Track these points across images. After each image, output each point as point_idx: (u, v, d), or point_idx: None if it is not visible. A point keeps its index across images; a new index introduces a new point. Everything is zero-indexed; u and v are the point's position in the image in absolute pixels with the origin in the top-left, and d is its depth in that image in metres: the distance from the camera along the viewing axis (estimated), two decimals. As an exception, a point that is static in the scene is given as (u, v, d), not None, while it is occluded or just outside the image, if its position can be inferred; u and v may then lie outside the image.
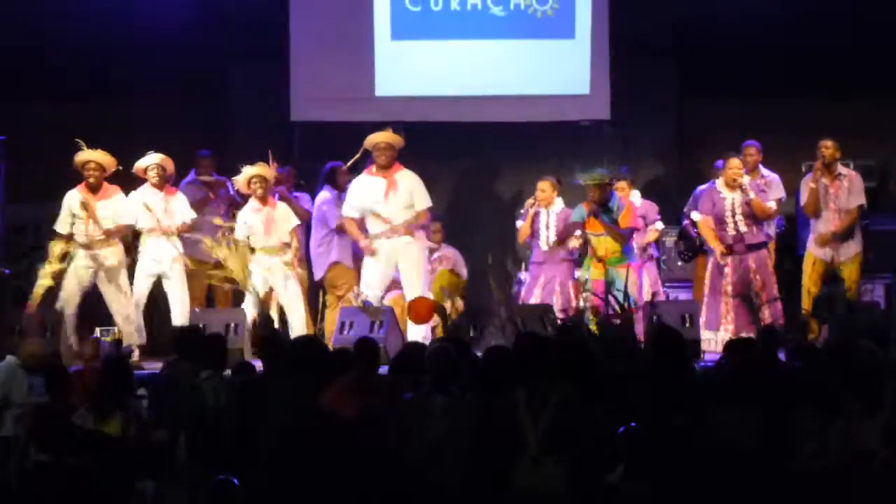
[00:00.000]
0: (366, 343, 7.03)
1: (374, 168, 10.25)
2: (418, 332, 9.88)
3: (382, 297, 10.29)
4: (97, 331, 9.79)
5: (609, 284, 9.77)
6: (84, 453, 5.11)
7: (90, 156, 10.17)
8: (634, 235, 10.47)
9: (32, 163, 11.39)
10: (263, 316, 10.21)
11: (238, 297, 10.65)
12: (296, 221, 10.38)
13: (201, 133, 11.83)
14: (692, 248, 11.07)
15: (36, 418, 6.34)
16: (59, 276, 10.05)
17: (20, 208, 11.23)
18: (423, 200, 10.28)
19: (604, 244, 10.01)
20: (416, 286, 10.17)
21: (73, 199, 10.22)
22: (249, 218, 10.24)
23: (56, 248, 10.09)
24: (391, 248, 10.17)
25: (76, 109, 11.91)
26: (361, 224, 10.30)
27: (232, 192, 11.19)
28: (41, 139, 11.60)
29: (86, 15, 12.10)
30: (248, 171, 10.25)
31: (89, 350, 9.34)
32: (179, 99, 12.06)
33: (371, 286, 10.12)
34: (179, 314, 10.29)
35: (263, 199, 10.28)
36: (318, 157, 10.99)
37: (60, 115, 11.84)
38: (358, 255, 10.61)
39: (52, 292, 10.16)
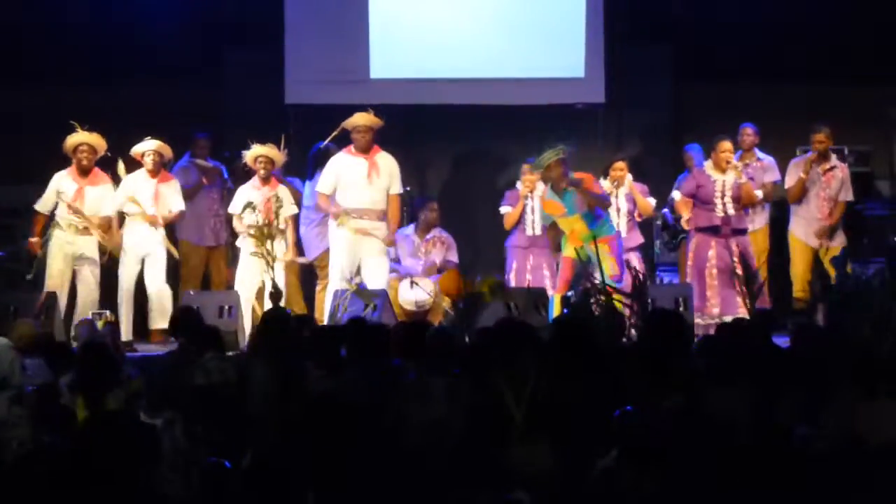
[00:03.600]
0: (357, 325, 7.04)
1: (352, 148, 10.20)
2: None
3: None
4: (89, 313, 9.75)
5: (585, 264, 9.72)
6: (82, 433, 5.07)
7: (82, 138, 10.12)
8: (627, 222, 10.49)
9: (25, 145, 11.37)
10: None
11: (233, 279, 10.65)
12: (294, 210, 10.36)
13: (196, 116, 11.79)
14: (675, 235, 11.08)
15: (40, 398, 6.34)
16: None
17: (12, 190, 11.22)
18: (398, 186, 10.25)
19: (569, 224, 9.85)
20: (377, 274, 10.10)
21: (61, 180, 10.17)
22: (249, 196, 10.21)
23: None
24: (360, 229, 10.07)
25: (69, 93, 11.87)
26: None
27: (226, 176, 11.19)
28: (34, 122, 11.57)
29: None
30: (256, 149, 10.25)
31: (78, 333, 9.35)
32: (174, 82, 12.02)
33: (341, 264, 10.05)
34: (155, 296, 10.24)
35: (265, 180, 10.27)
36: (313, 140, 10.97)
37: (53, 99, 11.80)
38: None
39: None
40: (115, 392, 6.36)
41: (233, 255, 10.80)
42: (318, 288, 10.69)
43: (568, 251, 9.84)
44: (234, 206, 10.28)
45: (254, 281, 10.17)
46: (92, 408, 6.18)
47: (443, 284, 9.95)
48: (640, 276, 9.33)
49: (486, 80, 12.20)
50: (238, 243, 10.32)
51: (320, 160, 10.73)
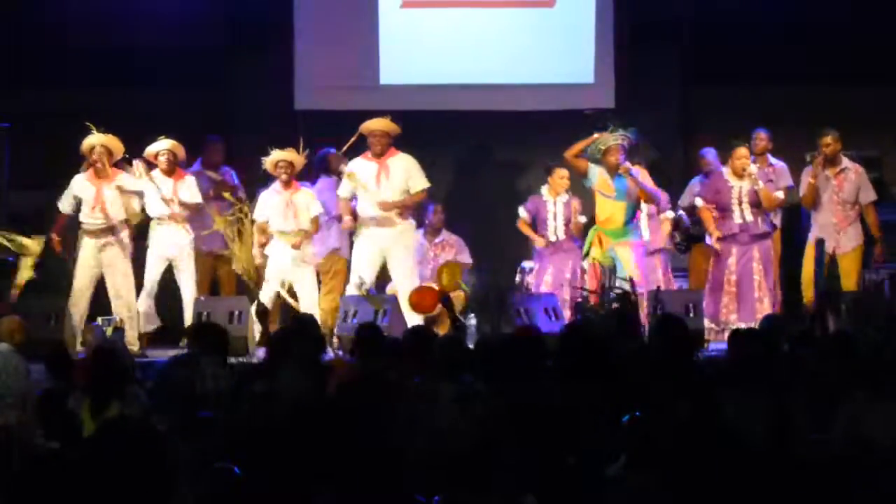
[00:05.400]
0: (367, 330, 7.05)
1: (369, 154, 10.26)
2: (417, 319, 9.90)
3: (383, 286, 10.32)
4: (99, 319, 9.77)
5: (611, 270, 9.82)
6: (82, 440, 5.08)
7: (99, 140, 10.10)
8: (650, 223, 10.52)
9: (35, 150, 11.38)
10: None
11: (242, 284, 10.66)
12: (318, 210, 10.36)
13: (205, 122, 11.80)
14: (687, 238, 11.08)
15: (42, 404, 6.34)
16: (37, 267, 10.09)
17: (23, 195, 11.23)
18: (419, 182, 10.28)
19: (610, 208, 10.07)
20: (406, 276, 10.15)
21: (78, 183, 10.18)
22: (270, 200, 10.23)
23: (35, 244, 10.08)
24: (381, 235, 10.14)
25: (79, 98, 11.87)
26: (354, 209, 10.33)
27: (236, 182, 11.19)
28: (44, 127, 11.58)
29: (90, 3, 12.09)
30: (276, 154, 10.25)
31: (89, 337, 9.38)
32: (183, 87, 12.04)
33: (361, 272, 10.09)
34: (189, 302, 10.28)
35: (287, 184, 10.27)
36: (323, 146, 10.98)
37: (64, 103, 11.80)
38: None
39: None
40: (120, 399, 6.37)
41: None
42: (322, 292, 10.68)
43: (596, 254, 10.05)
44: (259, 214, 10.28)
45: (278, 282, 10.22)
46: (97, 413, 6.19)
47: (412, 300, 9.91)
48: (632, 297, 9.43)
49: (495, 86, 12.20)
50: (267, 251, 10.31)
51: (322, 167, 10.76)
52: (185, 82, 12.03)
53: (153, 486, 4.15)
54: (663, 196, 10.84)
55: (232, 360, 7.38)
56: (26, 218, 11.29)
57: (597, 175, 10.17)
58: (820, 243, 10.23)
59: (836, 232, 10.48)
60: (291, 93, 12.18)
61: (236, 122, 12.22)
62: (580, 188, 10.95)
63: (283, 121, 11.86)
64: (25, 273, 10.02)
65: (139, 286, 10.28)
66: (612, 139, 10.03)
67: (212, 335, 7.15)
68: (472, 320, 10.73)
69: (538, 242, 10.79)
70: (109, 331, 9.28)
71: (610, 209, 10.12)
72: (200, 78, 12.09)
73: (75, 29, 12.05)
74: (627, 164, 10.07)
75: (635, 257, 10.06)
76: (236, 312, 9.85)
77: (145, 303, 10.27)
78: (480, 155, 12.62)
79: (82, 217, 10.16)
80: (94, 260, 10.12)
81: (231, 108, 12.34)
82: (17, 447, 5.85)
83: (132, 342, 9.95)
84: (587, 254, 10.14)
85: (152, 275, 10.32)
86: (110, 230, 10.13)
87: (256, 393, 6.10)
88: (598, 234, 10.12)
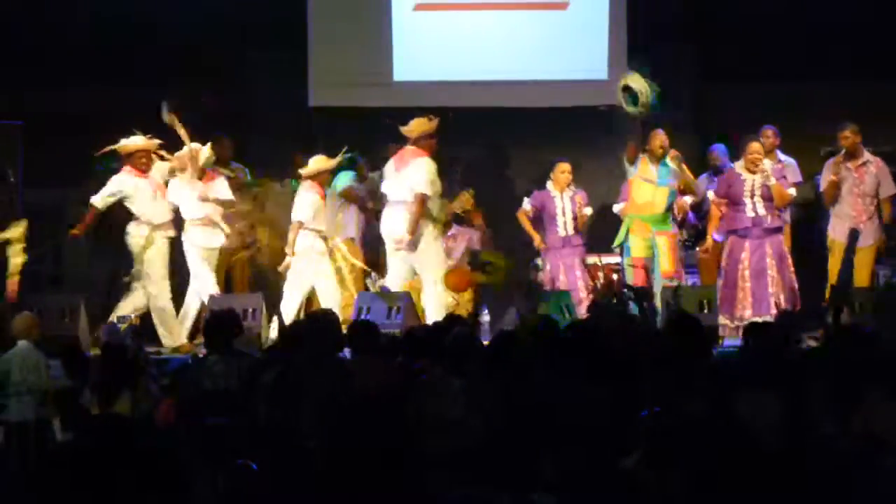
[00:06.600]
0: (360, 326, 7.09)
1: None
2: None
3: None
4: (113, 317, 9.80)
5: (651, 261, 9.97)
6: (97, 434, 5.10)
7: (149, 146, 10.30)
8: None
9: (51, 148, 11.42)
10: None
11: (255, 282, 10.68)
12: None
13: (220, 119, 11.81)
14: (694, 235, 11.08)
15: (60, 400, 6.38)
16: None
17: (37, 193, 11.26)
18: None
19: (651, 193, 10.25)
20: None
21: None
22: (317, 203, 10.31)
23: (14, 230, 10.13)
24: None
25: (96, 95, 11.92)
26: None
27: (249, 177, 11.20)
28: (58, 125, 11.61)
29: (109, 2, 12.12)
30: (327, 164, 10.36)
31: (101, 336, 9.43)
32: (198, 85, 12.04)
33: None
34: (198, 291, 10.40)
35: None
36: (337, 143, 10.98)
37: (80, 102, 11.85)
38: (365, 239, 10.78)
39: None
40: (126, 394, 6.39)
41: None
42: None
43: (637, 251, 10.19)
44: (304, 214, 10.25)
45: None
46: (103, 408, 6.22)
47: (448, 282, 9.99)
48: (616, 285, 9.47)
49: (508, 83, 12.20)
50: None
51: (350, 166, 10.82)
52: (202, 80, 12.03)
53: (156, 482, 4.16)
54: (699, 187, 10.92)
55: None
56: (41, 215, 11.32)
57: (639, 161, 10.31)
58: (853, 234, 10.27)
59: (854, 225, 10.46)
60: (306, 90, 12.18)
61: (251, 120, 12.24)
62: (583, 181, 10.96)
63: (297, 118, 11.86)
64: (18, 259, 10.02)
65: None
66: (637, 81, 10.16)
67: (224, 328, 7.17)
68: (485, 316, 10.74)
69: (536, 241, 10.84)
70: (124, 327, 9.30)
71: (651, 194, 10.29)
72: (217, 76, 12.09)
73: (92, 28, 12.08)
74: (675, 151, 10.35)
75: (672, 250, 10.23)
76: (250, 309, 9.85)
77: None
78: (493, 152, 12.62)
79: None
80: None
81: (246, 106, 12.36)
82: (35, 443, 5.90)
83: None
84: (621, 244, 10.33)
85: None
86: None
87: (267, 386, 6.12)
88: (633, 223, 10.26)
